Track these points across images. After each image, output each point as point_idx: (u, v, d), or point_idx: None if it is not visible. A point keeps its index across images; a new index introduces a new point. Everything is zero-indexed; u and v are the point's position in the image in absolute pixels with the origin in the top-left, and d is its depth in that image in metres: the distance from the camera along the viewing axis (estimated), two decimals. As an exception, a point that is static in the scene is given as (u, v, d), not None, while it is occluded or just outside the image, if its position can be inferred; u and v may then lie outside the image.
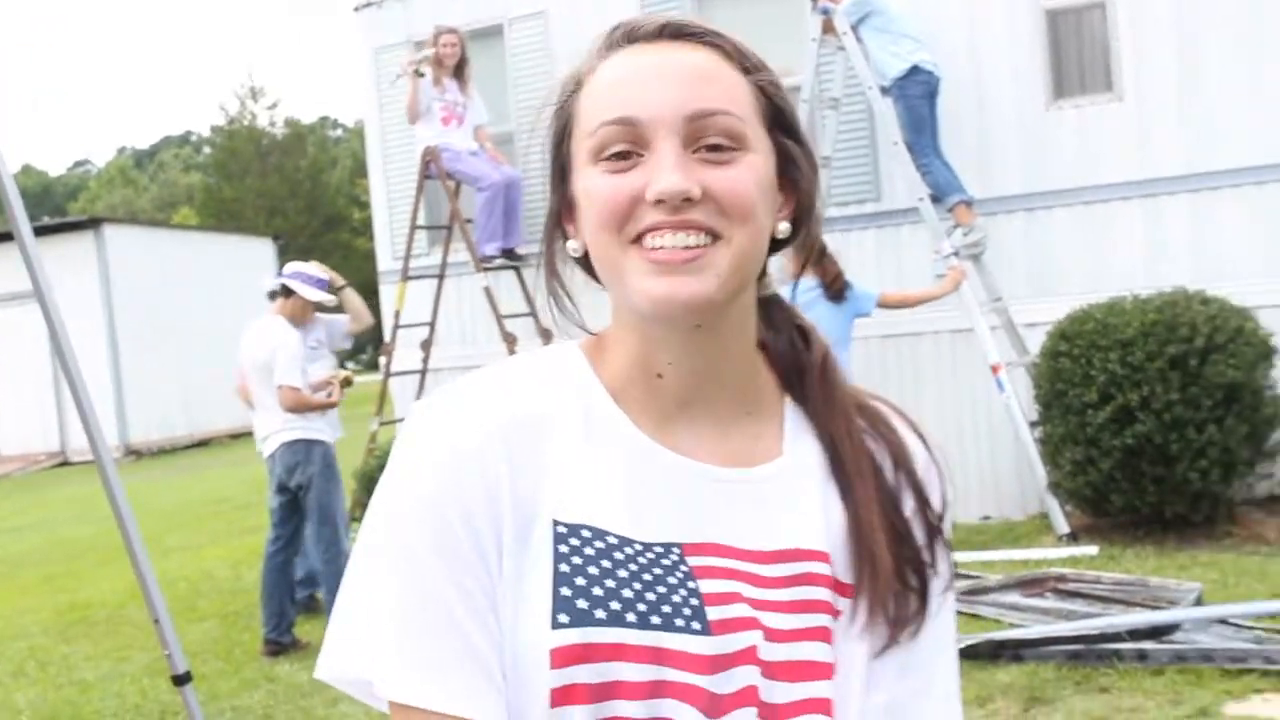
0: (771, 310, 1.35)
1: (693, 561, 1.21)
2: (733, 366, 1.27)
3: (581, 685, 1.14)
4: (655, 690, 1.15)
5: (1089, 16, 9.44)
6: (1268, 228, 8.81)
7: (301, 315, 7.91)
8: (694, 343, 1.23)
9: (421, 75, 10.32)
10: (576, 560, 1.18)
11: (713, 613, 1.19)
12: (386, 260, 11.86)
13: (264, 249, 29.10)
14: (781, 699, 1.19)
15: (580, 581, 1.17)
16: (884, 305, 8.10)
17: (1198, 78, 8.98)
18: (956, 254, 8.87)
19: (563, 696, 1.14)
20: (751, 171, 1.20)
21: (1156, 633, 5.83)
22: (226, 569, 10.65)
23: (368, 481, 10.18)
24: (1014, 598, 6.76)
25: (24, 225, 3.78)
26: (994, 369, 8.76)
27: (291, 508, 7.64)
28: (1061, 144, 9.43)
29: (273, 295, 8.04)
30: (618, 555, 1.19)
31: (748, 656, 1.18)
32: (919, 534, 1.29)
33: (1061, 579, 6.95)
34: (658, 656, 1.16)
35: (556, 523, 1.20)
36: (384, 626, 1.17)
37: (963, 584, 6.93)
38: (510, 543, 1.19)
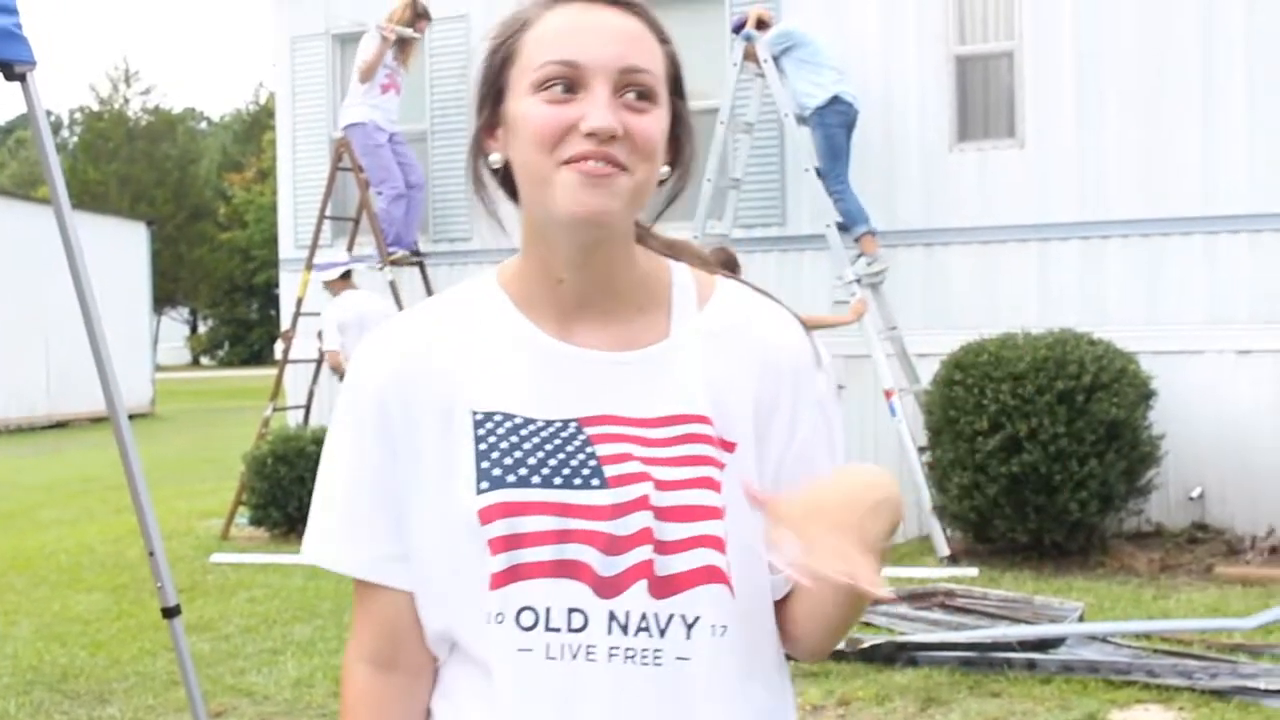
0: (640, 235, 1.65)
1: (589, 431, 1.52)
2: (620, 274, 1.57)
3: (503, 537, 1.46)
4: (561, 537, 1.46)
5: (996, 64, 9.88)
6: (1150, 277, 9.30)
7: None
8: (589, 254, 1.52)
9: (392, 44, 10.59)
10: (492, 440, 1.51)
11: (609, 470, 1.49)
12: (289, 248, 11.87)
13: (137, 232, 28.54)
14: (673, 536, 1.47)
15: (495, 455, 1.50)
16: None
17: (1095, 130, 9.44)
18: (858, 281, 9.20)
19: (494, 547, 1.46)
20: (658, 122, 1.50)
21: (1043, 645, 6.17)
22: (107, 544, 10.49)
23: (259, 465, 10.16)
24: (904, 609, 7.05)
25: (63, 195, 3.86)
26: (887, 394, 9.09)
27: None
28: (963, 184, 9.84)
29: (345, 275, 10.40)
30: (523, 432, 1.51)
31: (641, 504, 1.48)
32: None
33: (950, 594, 7.25)
34: (562, 510, 1.47)
35: (474, 412, 1.52)
36: (315, 508, 1.60)
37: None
38: (435, 435, 1.52)
